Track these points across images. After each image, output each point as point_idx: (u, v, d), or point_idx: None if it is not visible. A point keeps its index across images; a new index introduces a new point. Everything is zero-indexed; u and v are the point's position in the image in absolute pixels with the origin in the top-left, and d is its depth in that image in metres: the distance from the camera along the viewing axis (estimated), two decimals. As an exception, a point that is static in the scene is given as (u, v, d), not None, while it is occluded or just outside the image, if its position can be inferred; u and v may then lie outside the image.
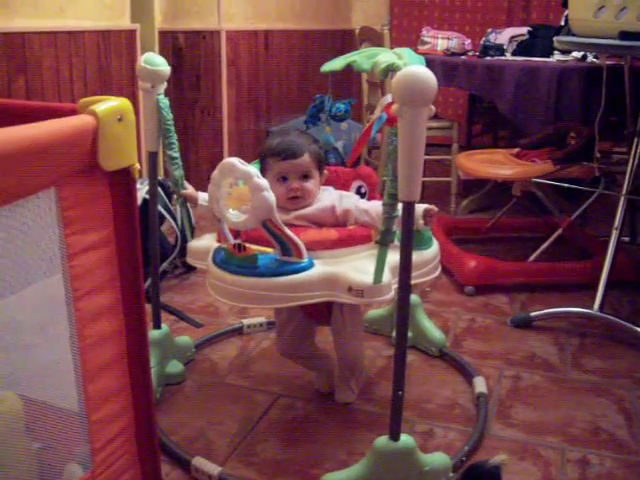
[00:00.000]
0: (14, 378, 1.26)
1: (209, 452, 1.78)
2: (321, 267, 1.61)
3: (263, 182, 1.51)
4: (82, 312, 1.14)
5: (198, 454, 1.73)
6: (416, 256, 1.53)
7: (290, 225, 1.65)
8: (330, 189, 1.88)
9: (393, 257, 1.54)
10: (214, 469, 1.66)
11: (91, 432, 1.19)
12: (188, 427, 1.89)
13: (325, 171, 1.88)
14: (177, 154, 1.88)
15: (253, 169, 1.52)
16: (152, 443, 1.32)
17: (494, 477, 1.32)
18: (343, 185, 1.96)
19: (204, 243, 1.84)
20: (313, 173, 1.81)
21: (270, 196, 1.51)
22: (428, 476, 1.58)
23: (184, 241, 2.81)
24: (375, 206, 1.73)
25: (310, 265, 1.60)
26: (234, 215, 1.60)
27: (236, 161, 1.55)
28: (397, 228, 1.50)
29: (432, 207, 1.71)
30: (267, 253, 1.61)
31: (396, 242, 1.52)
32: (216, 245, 1.75)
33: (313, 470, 1.72)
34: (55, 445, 1.19)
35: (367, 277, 1.56)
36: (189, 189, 1.87)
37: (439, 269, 1.84)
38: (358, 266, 1.62)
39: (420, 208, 1.68)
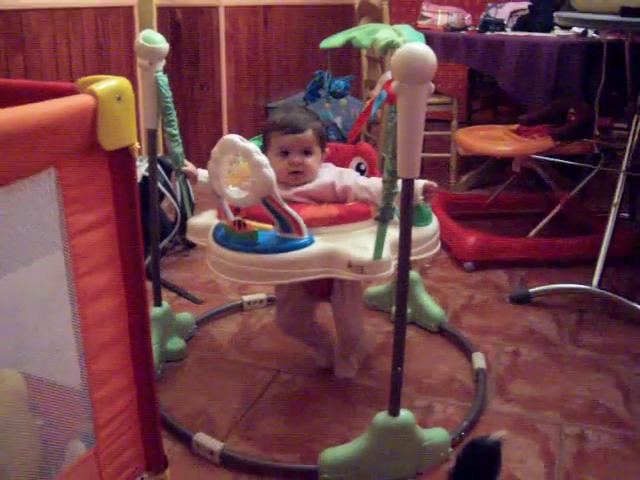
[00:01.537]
0: (17, 355, 1.27)
1: (210, 428, 1.80)
2: (321, 243, 1.62)
3: (263, 159, 1.51)
4: (83, 291, 1.15)
5: (200, 430, 1.75)
6: (416, 232, 1.54)
7: (290, 201, 1.66)
8: (330, 166, 1.88)
9: (393, 233, 1.55)
10: (216, 445, 1.68)
11: (94, 409, 1.20)
12: (189, 403, 1.91)
13: (327, 149, 1.88)
14: (176, 131, 1.88)
15: (253, 146, 1.52)
16: (154, 420, 1.34)
17: (494, 453, 1.33)
18: (342, 161, 1.95)
19: (204, 220, 1.84)
20: (315, 149, 1.81)
21: (270, 173, 1.51)
22: (427, 451, 1.60)
23: (184, 218, 2.82)
24: (375, 183, 1.73)
25: (310, 242, 1.61)
26: (234, 192, 1.60)
27: (236, 138, 1.55)
28: (397, 205, 1.50)
29: (432, 183, 1.71)
30: (267, 230, 1.61)
31: (396, 218, 1.52)
32: (216, 222, 1.75)
33: (313, 445, 1.73)
34: (58, 422, 1.20)
35: (367, 253, 1.57)
36: (189, 166, 1.87)
37: (439, 245, 1.84)
38: (358, 242, 1.62)
39: (419, 184, 1.68)
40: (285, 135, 1.79)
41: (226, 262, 1.64)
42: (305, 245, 1.60)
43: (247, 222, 1.61)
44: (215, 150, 1.61)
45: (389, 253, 1.58)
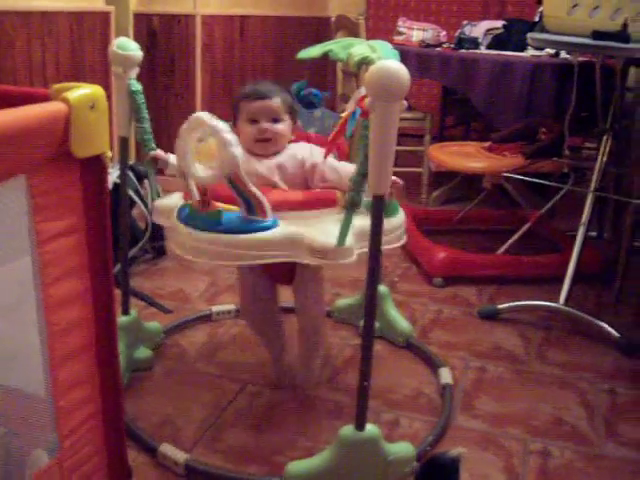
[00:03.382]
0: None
1: (176, 438, 1.79)
2: (285, 227, 1.61)
3: (231, 137, 1.50)
4: (51, 298, 1.14)
5: (165, 440, 1.74)
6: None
7: (260, 177, 1.68)
8: (302, 143, 1.88)
9: (358, 222, 1.56)
10: (181, 456, 1.67)
11: (58, 418, 1.19)
12: (155, 413, 1.90)
13: (297, 121, 1.89)
14: (147, 124, 1.86)
15: (222, 124, 1.51)
16: (119, 430, 1.33)
17: (452, 469, 1.35)
18: None
19: (170, 201, 1.83)
20: (283, 117, 1.82)
21: (237, 151, 1.50)
22: (392, 465, 1.60)
23: (154, 225, 2.81)
24: (346, 167, 1.74)
25: (274, 224, 1.60)
26: (200, 169, 1.58)
27: (205, 115, 1.54)
28: (365, 196, 1.51)
29: (396, 179, 1.63)
30: (232, 211, 1.60)
31: (362, 209, 1.53)
32: (182, 203, 1.75)
33: (279, 457, 1.73)
34: (22, 431, 1.19)
35: (330, 239, 1.57)
36: (159, 152, 1.85)
37: (404, 238, 1.82)
38: (322, 229, 1.62)
39: None
40: (253, 101, 1.80)
41: (190, 242, 1.62)
42: (269, 227, 1.59)
43: (212, 201, 1.60)
44: (183, 127, 1.60)
45: (352, 241, 1.59)
